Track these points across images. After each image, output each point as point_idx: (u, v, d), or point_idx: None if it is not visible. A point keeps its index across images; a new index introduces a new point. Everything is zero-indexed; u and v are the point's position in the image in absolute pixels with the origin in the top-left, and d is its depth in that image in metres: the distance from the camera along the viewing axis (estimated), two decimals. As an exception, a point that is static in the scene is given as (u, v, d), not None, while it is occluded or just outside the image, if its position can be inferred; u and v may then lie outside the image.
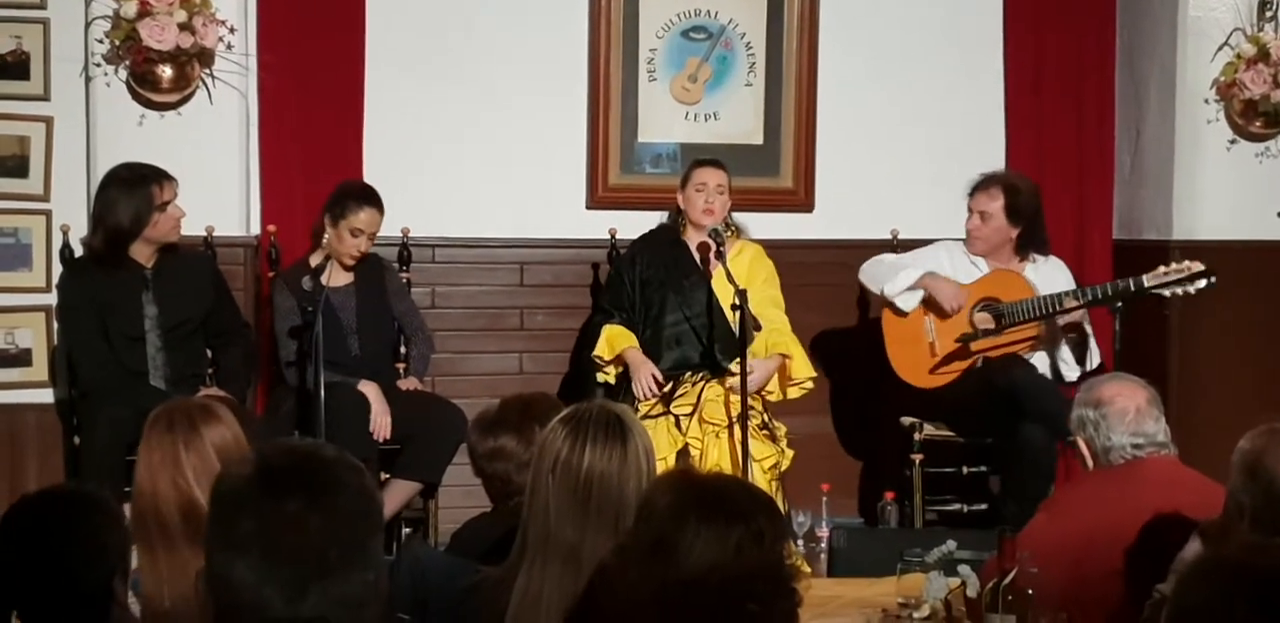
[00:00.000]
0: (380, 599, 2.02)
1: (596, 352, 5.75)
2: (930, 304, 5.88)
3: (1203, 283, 5.57)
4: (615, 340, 5.74)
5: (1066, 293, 5.75)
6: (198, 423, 3.29)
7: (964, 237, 5.96)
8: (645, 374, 5.62)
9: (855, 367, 6.15)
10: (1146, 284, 5.60)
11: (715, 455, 5.43)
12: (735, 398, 5.43)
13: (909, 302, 5.88)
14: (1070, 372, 5.78)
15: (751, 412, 5.47)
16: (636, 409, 5.55)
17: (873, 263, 5.99)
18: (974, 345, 5.85)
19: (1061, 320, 5.78)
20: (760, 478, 5.38)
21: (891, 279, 5.87)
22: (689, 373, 5.69)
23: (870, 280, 5.98)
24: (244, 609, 1.94)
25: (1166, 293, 5.64)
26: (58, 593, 2.44)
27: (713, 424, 5.48)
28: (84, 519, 2.52)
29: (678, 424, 5.51)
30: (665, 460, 5.40)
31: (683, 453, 5.49)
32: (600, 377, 5.78)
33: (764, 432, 5.52)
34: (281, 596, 1.93)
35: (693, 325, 5.75)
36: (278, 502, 1.95)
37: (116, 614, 2.49)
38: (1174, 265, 5.61)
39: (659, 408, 5.57)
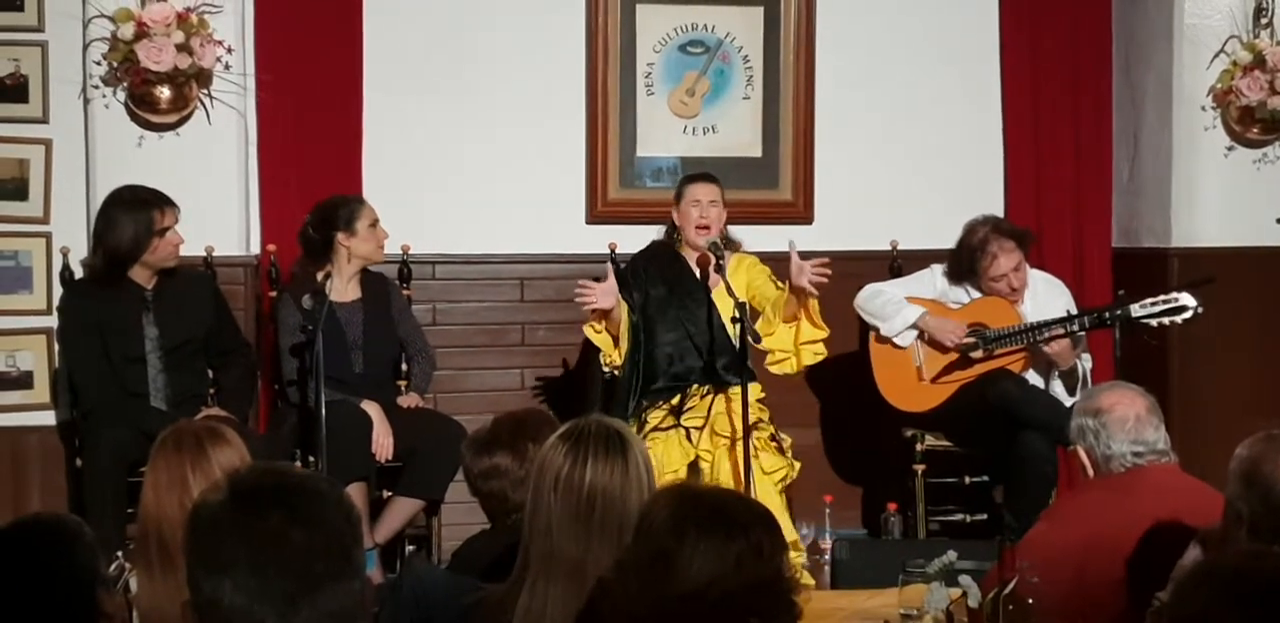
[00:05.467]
0: (368, 610, 2.02)
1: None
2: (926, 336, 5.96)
3: (1189, 314, 5.62)
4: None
5: (1053, 321, 5.78)
6: (206, 445, 3.30)
7: (1005, 293, 5.96)
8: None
9: (856, 378, 6.15)
10: (1133, 315, 5.66)
11: (727, 468, 5.42)
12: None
13: (906, 338, 5.98)
14: (1064, 401, 5.79)
15: (761, 424, 5.49)
16: (646, 421, 5.55)
17: (870, 296, 6.02)
18: (960, 372, 5.89)
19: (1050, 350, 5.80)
20: (770, 491, 5.38)
21: (890, 319, 5.96)
22: (695, 386, 5.68)
23: (870, 317, 6.04)
24: None
25: (1153, 323, 5.67)
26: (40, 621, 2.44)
27: (723, 437, 5.47)
28: (45, 547, 2.52)
29: (689, 437, 5.50)
30: (677, 473, 5.41)
31: (693, 466, 5.48)
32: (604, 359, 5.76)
33: (773, 444, 5.52)
34: (274, 613, 1.93)
35: (695, 342, 5.74)
36: (258, 519, 1.96)
37: None
38: (1161, 296, 5.65)
39: (670, 420, 5.57)
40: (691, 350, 5.74)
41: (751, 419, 5.49)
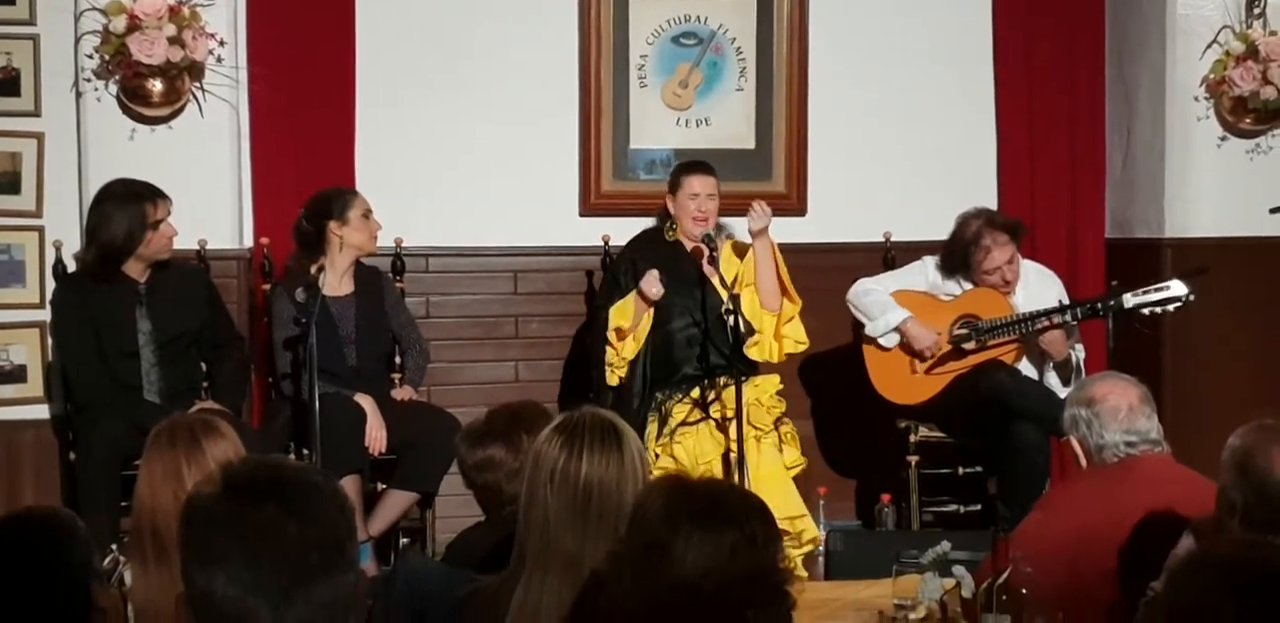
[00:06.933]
0: (362, 602, 2.03)
1: (614, 324, 5.68)
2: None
3: (1180, 302, 5.63)
4: (624, 307, 5.70)
5: (1046, 312, 5.78)
6: (200, 438, 3.30)
7: (998, 286, 5.95)
8: (651, 277, 5.61)
9: (850, 370, 6.14)
10: (1126, 304, 5.66)
11: (755, 461, 5.41)
12: (769, 404, 5.53)
13: (890, 340, 5.97)
14: (1059, 392, 5.79)
15: (785, 418, 5.58)
16: (671, 415, 5.55)
17: (861, 293, 6.02)
18: (953, 364, 5.88)
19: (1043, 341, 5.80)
20: (789, 486, 5.43)
21: (875, 319, 5.97)
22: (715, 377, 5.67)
23: (858, 313, 6.05)
24: None
25: (1146, 312, 5.68)
26: (33, 615, 2.45)
27: (758, 429, 5.48)
28: (39, 541, 2.52)
29: (720, 428, 5.49)
30: (710, 466, 5.39)
31: (726, 458, 5.45)
32: (611, 377, 5.73)
33: (795, 438, 5.60)
34: (268, 605, 1.93)
35: (701, 331, 5.74)
36: (252, 512, 1.96)
37: (98, 620, 2.50)
38: (1154, 284, 5.65)
39: (697, 414, 5.56)
40: (698, 339, 5.73)
41: (775, 414, 5.53)
